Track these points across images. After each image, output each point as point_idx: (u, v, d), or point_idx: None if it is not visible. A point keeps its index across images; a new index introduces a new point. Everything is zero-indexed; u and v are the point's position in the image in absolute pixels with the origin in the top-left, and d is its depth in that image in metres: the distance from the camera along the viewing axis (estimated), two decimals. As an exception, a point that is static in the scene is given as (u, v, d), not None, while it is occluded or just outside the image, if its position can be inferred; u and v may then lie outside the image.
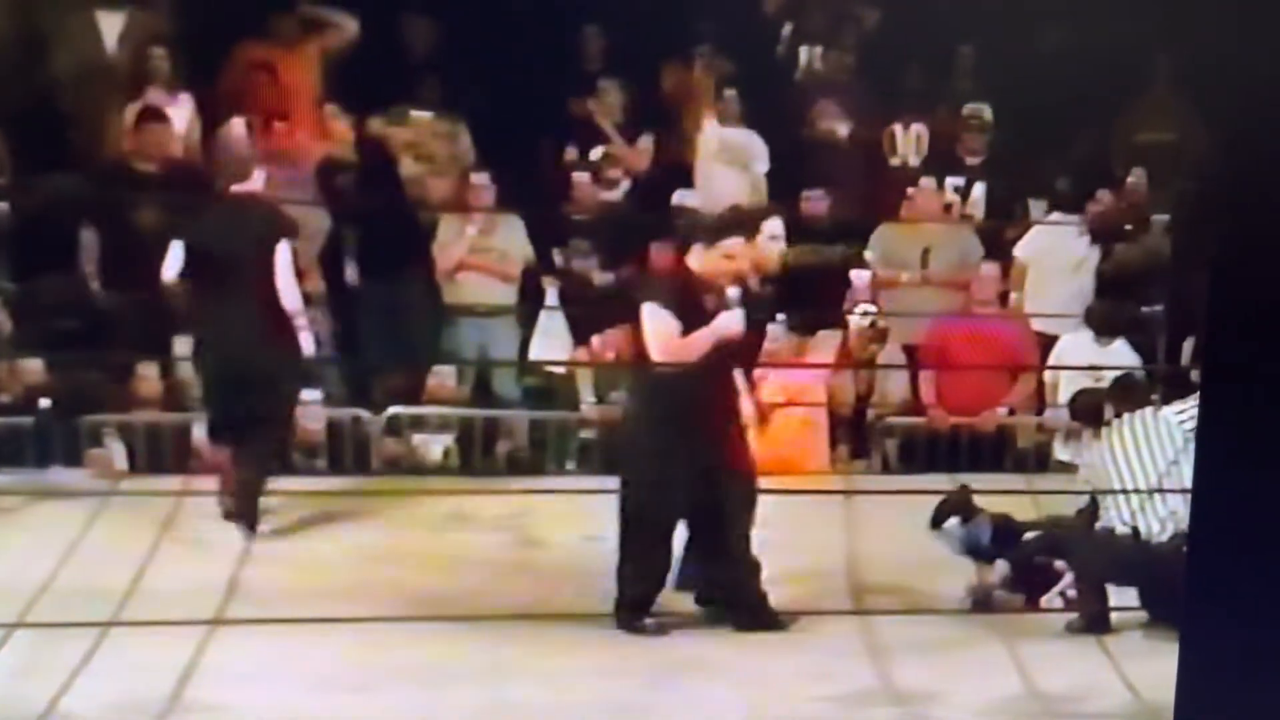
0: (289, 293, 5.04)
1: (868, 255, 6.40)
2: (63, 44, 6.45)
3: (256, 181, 5.23)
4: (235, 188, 5.16)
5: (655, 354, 4.19)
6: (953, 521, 5.04)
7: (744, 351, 4.35)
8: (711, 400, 4.30)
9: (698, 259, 4.29)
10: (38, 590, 4.43)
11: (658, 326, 4.20)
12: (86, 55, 6.46)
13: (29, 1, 6.52)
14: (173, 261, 5.09)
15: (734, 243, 4.28)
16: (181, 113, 6.37)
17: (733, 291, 4.26)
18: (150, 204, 5.93)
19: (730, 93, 6.57)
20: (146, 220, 6.00)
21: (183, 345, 5.97)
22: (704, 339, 4.21)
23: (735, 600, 4.36)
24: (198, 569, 4.72)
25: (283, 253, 5.03)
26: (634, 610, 4.31)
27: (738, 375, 4.39)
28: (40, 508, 5.18)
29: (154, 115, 6.18)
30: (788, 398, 5.80)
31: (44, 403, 5.69)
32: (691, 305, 4.23)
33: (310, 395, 5.98)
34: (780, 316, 5.57)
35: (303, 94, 6.49)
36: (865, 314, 5.85)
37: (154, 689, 3.88)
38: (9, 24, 6.42)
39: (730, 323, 4.21)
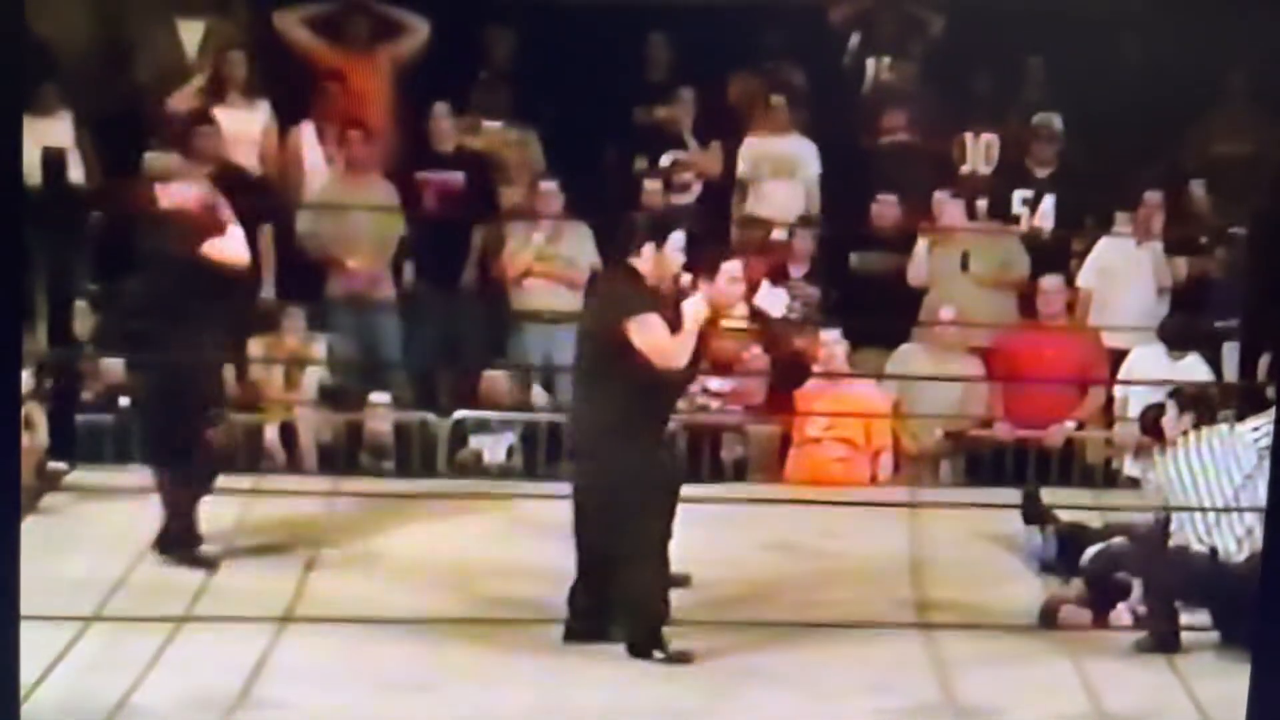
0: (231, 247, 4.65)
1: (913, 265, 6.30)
2: (146, 52, 6.60)
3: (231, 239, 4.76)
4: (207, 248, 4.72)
5: (662, 361, 4.09)
6: (1033, 529, 4.97)
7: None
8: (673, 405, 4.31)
9: (648, 260, 4.18)
10: (113, 585, 4.53)
11: (657, 334, 4.07)
12: (168, 62, 6.60)
13: (115, 11, 6.67)
14: None
15: (680, 239, 4.17)
16: (257, 118, 6.49)
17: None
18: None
19: (779, 100, 6.52)
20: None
21: (256, 347, 6.09)
22: (689, 336, 4.12)
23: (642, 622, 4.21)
24: (268, 567, 4.79)
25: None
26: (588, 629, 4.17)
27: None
28: (117, 504, 5.28)
29: (202, 119, 6.26)
30: (846, 409, 5.75)
31: (124, 401, 5.82)
32: (660, 307, 4.14)
33: (379, 398, 6.07)
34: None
35: (375, 101, 6.57)
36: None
37: (223, 685, 3.95)
38: (97, 34, 6.58)
39: (696, 309, 4.10)
